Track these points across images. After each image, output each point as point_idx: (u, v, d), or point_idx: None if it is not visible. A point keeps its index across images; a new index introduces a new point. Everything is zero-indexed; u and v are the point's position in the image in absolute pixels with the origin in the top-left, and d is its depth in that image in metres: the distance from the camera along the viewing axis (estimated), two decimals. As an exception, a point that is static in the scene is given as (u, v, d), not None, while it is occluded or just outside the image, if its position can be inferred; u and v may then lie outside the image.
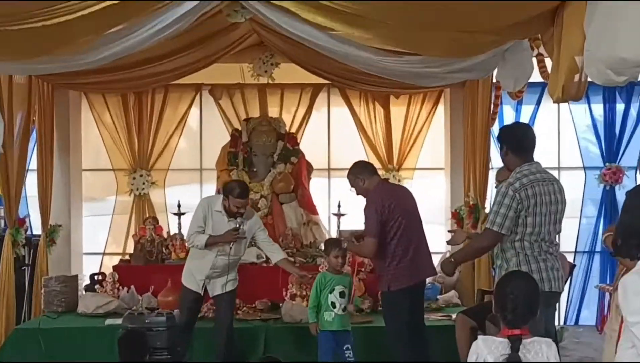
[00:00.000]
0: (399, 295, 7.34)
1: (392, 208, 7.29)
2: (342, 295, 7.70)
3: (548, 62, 8.85)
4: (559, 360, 4.10)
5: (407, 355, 7.41)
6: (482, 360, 4.06)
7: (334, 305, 7.68)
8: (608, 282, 10.87)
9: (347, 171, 7.70)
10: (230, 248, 7.94)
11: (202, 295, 8.19)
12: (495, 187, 7.27)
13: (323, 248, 10.56)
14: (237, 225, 7.87)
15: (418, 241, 7.50)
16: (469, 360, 4.15)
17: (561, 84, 7.78)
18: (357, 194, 7.69)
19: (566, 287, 9.65)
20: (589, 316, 11.73)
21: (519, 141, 6.55)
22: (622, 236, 4.25)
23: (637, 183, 5.11)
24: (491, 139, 10.43)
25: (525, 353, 4.02)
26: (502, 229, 6.13)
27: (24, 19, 6.78)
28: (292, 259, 9.61)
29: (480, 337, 4.21)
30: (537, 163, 6.46)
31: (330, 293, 7.71)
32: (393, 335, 7.48)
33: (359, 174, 7.54)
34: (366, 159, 10.87)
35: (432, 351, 7.76)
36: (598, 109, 11.79)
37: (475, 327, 8.03)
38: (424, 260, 7.56)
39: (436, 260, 10.43)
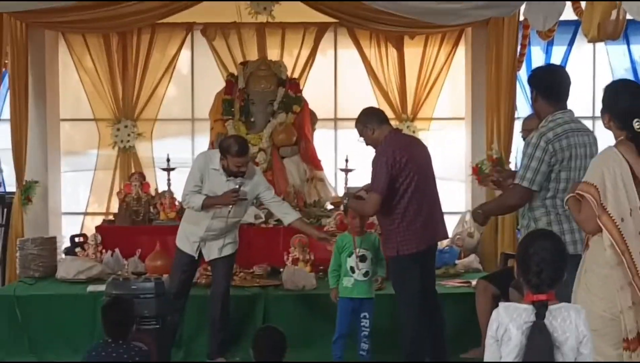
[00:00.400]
0: (409, 260, 7.32)
1: (404, 162, 7.21)
2: (362, 259, 7.67)
3: (582, -2, 8.81)
4: (588, 328, 4.11)
5: (419, 325, 7.47)
6: (503, 330, 4.09)
7: (352, 269, 7.68)
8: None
9: (355, 121, 7.66)
10: (229, 211, 7.96)
11: (197, 258, 8.23)
12: (523, 138, 7.24)
13: (330, 207, 10.67)
14: (237, 186, 7.84)
15: (431, 200, 7.46)
16: (489, 330, 4.15)
17: (597, 22, 7.76)
18: (367, 145, 7.65)
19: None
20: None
21: (551, 85, 6.43)
22: None
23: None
24: (517, 85, 10.43)
25: (552, 320, 4.00)
26: (532, 185, 6.07)
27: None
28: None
29: (501, 304, 4.19)
30: (570, 111, 6.38)
31: (349, 256, 7.70)
32: (404, 304, 7.49)
33: (368, 122, 7.48)
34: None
35: (448, 320, 7.84)
36: (638, 50, 11.75)
37: (498, 294, 8.10)
38: (436, 221, 7.53)
39: (455, 220, 10.58)
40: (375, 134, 7.43)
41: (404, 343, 7.53)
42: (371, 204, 7.32)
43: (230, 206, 7.87)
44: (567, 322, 4.04)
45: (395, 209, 7.28)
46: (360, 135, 7.60)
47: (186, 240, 8.19)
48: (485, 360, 4.19)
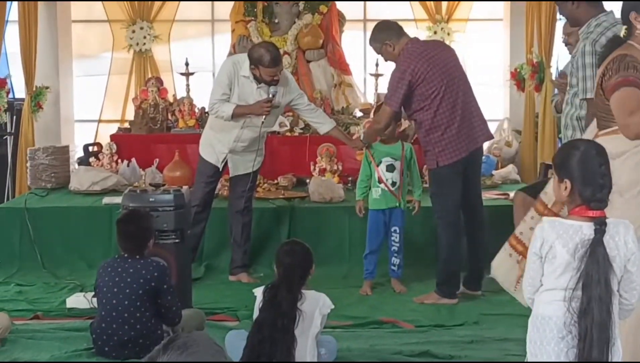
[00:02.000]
0: (449, 171, 7.30)
1: (426, 74, 7.16)
2: (389, 168, 7.65)
3: None
4: (637, 245, 4.05)
5: (457, 245, 7.47)
6: (548, 247, 4.03)
7: (379, 180, 7.68)
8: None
9: (369, 39, 7.57)
10: (262, 122, 7.88)
11: (221, 170, 8.22)
12: (564, 43, 7.09)
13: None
14: (270, 95, 7.77)
15: (466, 104, 7.37)
16: (531, 247, 4.09)
17: None
18: (387, 60, 7.63)
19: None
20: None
21: None
22: None
23: None
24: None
25: (607, 238, 3.97)
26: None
27: None
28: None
29: (545, 219, 4.12)
30: (612, 12, 6.27)
31: (377, 166, 7.69)
32: (440, 220, 7.49)
33: (386, 39, 7.37)
34: (409, 13, 10.82)
35: (490, 235, 7.81)
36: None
37: (538, 207, 8.06)
38: (475, 124, 7.42)
39: (493, 127, 10.52)
40: (396, 50, 7.35)
41: (439, 264, 7.55)
42: (383, 116, 7.41)
43: (264, 116, 7.82)
44: (615, 238, 4.00)
45: (427, 120, 7.25)
46: (379, 53, 7.54)
47: (212, 149, 8.15)
48: (527, 277, 4.17)
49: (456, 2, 11.66)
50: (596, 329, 3.91)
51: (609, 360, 3.95)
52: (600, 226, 3.94)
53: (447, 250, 7.44)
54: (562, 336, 4.00)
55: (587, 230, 3.97)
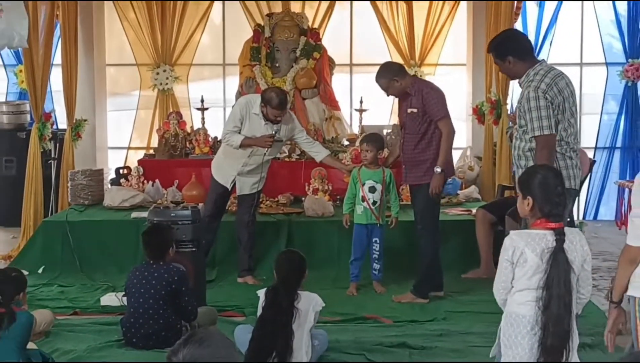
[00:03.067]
0: None
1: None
2: (371, 189, 7.66)
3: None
4: (588, 249, 4.17)
5: (439, 250, 7.51)
6: (519, 253, 4.08)
7: (363, 199, 7.68)
8: (628, 178, 10.80)
9: (376, 78, 7.48)
10: (265, 153, 7.99)
11: (230, 190, 8.25)
12: (519, 84, 7.10)
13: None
14: (274, 132, 7.89)
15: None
16: (504, 255, 4.14)
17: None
18: (389, 95, 7.64)
19: (585, 183, 9.62)
20: (607, 212, 11.70)
21: (523, 45, 6.28)
22: None
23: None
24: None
25: (567, 244, 4.06)
26: (553, 130, 5.91)
27: None
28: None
29: (512, 232, 4.19)
30: (543, 60, 6.27)
31: (363, 185, 7.70)
32: (426, 231, 7.43)
33: (395, 75, 7.34)
34: (389, 59, 10.81)
35: (451, 245, 7.85)
36: (622, 4, 11.55)
37: (495, 221, 8.08)
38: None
39: (458, 154, 10.53)
40: (403, 84, 7.34)
41: (421, 268, 7.51)
42: (449, 125, 7.37)
43: (266, 148, 7.91)
44: (573, 242, 4.12)
45: (426, 141, 7.31)
46: (386, 88, 7.46)
47: (223, 172, 8.21)
48: (499, 281, 4.22)
49: (427, 49, 11.67)
50: (552, 322, 4.00)
51: (566, 347, 4.03)
52: (560, 235, 4.05)
53: (431, 257, 7.42)
54: (535, 332, 4.07)
55: (550, 237, 4.07)
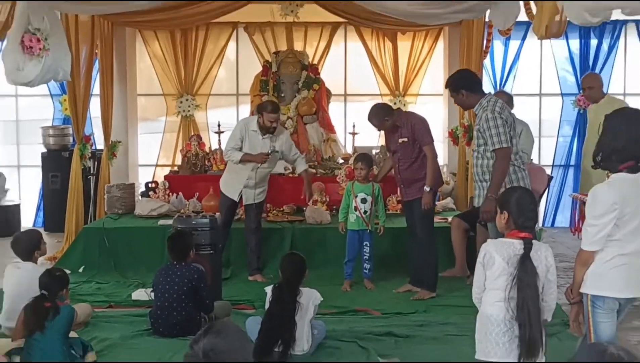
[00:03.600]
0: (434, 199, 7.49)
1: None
2: (363, 201, 7.68)
3: (533, 5, 8.73)
4: (553, 260, 4.16)
5: (436, 255, 7.47)
6: (488, 257, 4.10)
7: (355, 208, 7.69)
8: (580, 192, 10.78)
9: (369, 118, 7.44)
10: (258, 167, 7.99)
11: (237, 201, 8.25)
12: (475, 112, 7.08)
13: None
14: (269, 150, 7.92)
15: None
16: (478, 258, 4.18)
17: (544, 24, 7.65)
18: (381, 130, 7.73)
19: (545, 195, 9.61)
20: (563, 220, 11.73)
21: (473, 80, 6.44)
22: (604, 155, 4.17)
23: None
24: (483, 71, 10.32)
25: (532, 253, 4.06)
26: (509, 143, 6.01)
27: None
28: (313, 170, 9.62)
29: (490, 240, 4.23)
30: (489, 93, 6.40)
31: (356, 197, 7.70)
32: (431, 236, 7.43)
33: (386, 116, 7.34)
34: (377, 90, 10.82)
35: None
36: (575, 44, 11.60)
37: (468, 228, 8.06)
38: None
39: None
40: (392, 121, 7.33)
41: (429, 269, 7.43)
42: (434, 150, 7.32)
43: (261, 164, 7.95)
44: (538, 252, 4.10)
45: (420, 159, 7.31)
46: (379, 126, 7.48)
47: (230, 186, 8.21)
48: (475, 281, 4.25)
49: (410, 81, 11.66)
50: (534, 318, 3.98)
51: (542, 341, 4.02)
52: (528, 244, 4.05)
53: (435, 258, 7.42)
54: (505, 330, 4.06)
55: (518, 245, 4.08)
